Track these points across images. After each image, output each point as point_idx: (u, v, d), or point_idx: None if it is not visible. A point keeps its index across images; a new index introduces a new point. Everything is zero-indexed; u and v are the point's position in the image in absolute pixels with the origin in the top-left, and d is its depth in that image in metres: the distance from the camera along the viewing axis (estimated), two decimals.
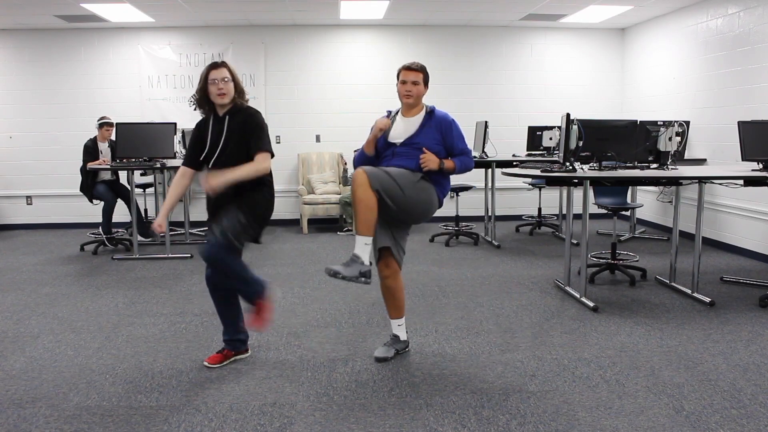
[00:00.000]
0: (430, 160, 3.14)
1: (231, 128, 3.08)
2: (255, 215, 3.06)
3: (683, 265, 5.08)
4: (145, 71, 7.81)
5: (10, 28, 7.61)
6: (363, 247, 3.00)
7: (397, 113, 3.34)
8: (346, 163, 7.58)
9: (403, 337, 3.42)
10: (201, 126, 3.19)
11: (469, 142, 3.66)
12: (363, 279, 2.98)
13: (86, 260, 6.05)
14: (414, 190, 3.11)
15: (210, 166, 3.10)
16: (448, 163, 3.22)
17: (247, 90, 3.26)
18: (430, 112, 3.25)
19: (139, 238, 6.47)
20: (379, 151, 3.30)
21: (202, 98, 3.11)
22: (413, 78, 3.20)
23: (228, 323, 3.28)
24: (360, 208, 2.98)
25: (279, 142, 7.66)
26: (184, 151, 7.04)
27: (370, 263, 3.04)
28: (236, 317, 3.28)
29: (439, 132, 3.21)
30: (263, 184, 3.11)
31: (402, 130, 3.24)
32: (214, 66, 3.07)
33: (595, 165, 4.46)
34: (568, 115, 4.36)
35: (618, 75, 8.27)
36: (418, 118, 3.25)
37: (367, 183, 2.96)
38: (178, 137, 6.90)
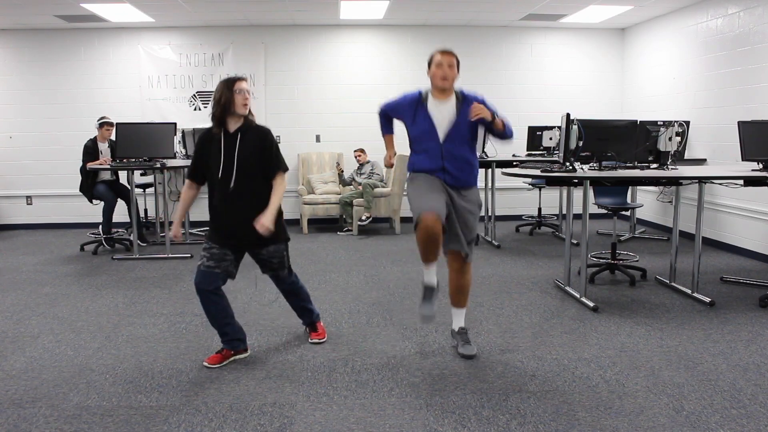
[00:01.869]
0: (482, 110, 3.11)
1: (244, 146, 3.12)
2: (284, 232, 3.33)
3: (683, 265, 5.08)
4: (145, 71, 7.81)
5: (10, 28, 7.61)
6: (429, 274, 3.24)
7: (426, 96, 3.29)
8: (342, 170, 7.58)
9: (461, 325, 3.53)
10: (207, 140, 3.17)
11: None
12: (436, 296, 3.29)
13: (86, 260, 6.05)
14: (476, 204, 3.37)
15: (232, 185, 3.11)
16: (498, 120, 3.21)
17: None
18: (461, 93, 3.27)
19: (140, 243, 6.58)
20: (418, 137, 3.29)
21: (224, 111, 3.08)
22: (449, 61, 3.19)
23: (224, 325, 3.27)
24: (426, 246, 3.10)
25: (279, 142, 7.64)
26: (183, 151, 7.06)
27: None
28: (231, 317, 3.29)
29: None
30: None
31: (442, 115, 3.22)
32: (239, 78, 3.11)
33: (595, 165, 4.46)
34: (568, 115, 4.36)
35: (618, 75, 8.27)
36: (451, 101, 3.24)
37: (438, 223, 3.07)
38: (178, 137, 6.91)
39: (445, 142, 3.21)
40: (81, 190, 6.48)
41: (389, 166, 3.61)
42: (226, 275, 3.18)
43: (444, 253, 3.35)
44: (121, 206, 6.63)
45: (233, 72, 7.65)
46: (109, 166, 6.17)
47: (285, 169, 3.24)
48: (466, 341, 3.44)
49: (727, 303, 4.31)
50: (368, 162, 7.60)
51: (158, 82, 7.84)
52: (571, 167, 4.30)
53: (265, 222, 3.08)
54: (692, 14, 6.63)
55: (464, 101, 3.24)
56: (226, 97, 3.06)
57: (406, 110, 3.32)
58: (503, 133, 3.29)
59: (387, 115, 3.50)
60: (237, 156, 3.10)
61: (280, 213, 3.23)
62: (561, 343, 3.56)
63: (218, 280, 3.16)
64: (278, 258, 3.29)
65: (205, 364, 3.26)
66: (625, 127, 4.74)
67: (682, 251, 5.32)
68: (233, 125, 3.14)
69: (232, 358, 3.31)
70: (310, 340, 3.59)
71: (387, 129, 3.53)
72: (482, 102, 3.24)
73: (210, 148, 3.15)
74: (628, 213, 7.18)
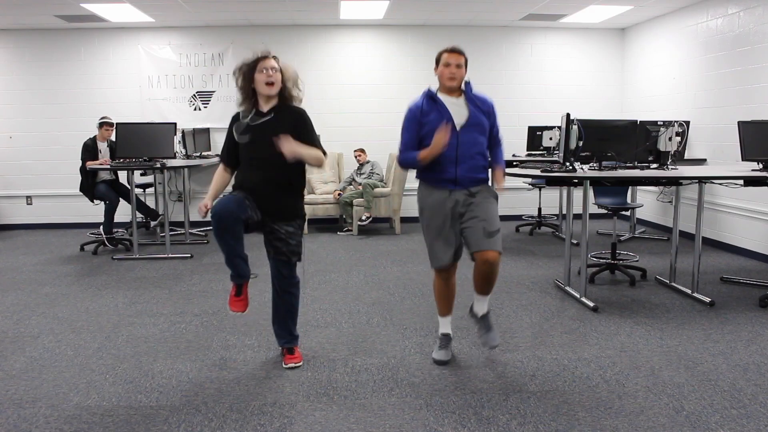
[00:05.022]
0: (503, 181, 3.24)
1: (277, 124, 2.99)
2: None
3: (683, 265, 5.08)
4: (145, 71, 7.81)
5: (10, 28, 7.61)
6: (445, 325, 3.39)
7: (435, 93, 3.19)
8: (340, 194, 7.47)
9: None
10: (236, 122, 3.09)
11: None
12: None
13: (86, 260, 6.05)
14: (492, 196, 3.20)
15: (252, 163, 3.03)
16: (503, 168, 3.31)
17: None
18: (472, 92, 3.20)
19: (152, 223, 6.78)
20: (432, 132, 3.09)
21: (247, 91, 3.02)
22: (457, 61, 3.11)
23: (238, 256, 3.08)
24: (442, 294, 3.33)
25: None
26: (183, 151, 7.06)
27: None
28: (243, 245, 3.13)
29: (484, 112, 3.18)
30: (301, 194, 3.21)
31: (454, 110, 3.14)
32: (263, 57, 3.00)
33: (595, 165, 4.46)
34: (568, 115, 4.36)
35: (618, 75, 8.27)
36: (462, 99, 3.18)
37: (451, 275, 3.29)
38: (178, 137, 6.91)
39: (461, 131, 3.10)
40: (81, 190, 6.47)
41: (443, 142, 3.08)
42: (248, 216, 2.97)
43: (470, 258, 3.17)
44: (121, 206, 6.63)
45: (233, 72, 7.64)
46: (109, 166, 6.17)
47: (323, 150, 3.07)
48: (488, 328, 3.28)
49: (727, 303, 4.31)
50: (368, 162, 7.60)
51: (158, 82, 7.83)
52: (571, 167, 4.30)
53: (291, 147, 2.90)
54: (692, 14, 6.63)
55: (476, 99, 3.18)
56: (245, 78, 3.00)
57: (417, 112, 3.16)
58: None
59: (409, 147, 3.20)
60: (269, 133, 2.96)
61: (301, 193, 3.18)
62: (561, 343, 3.56)
63: (245, 211, 2.94)
64: (296, 240, 3.12)
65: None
66: (625, 127, 4.74)
67: (682, 251, 5.32)
68: (266, 105, 3.04)
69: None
70: (285, 365, 3.24)
71: (416, 151, 3.16)
72: (491, 107, 3.22)
73: (239, 128, 3.06)
74: (628, 213, 7.18)
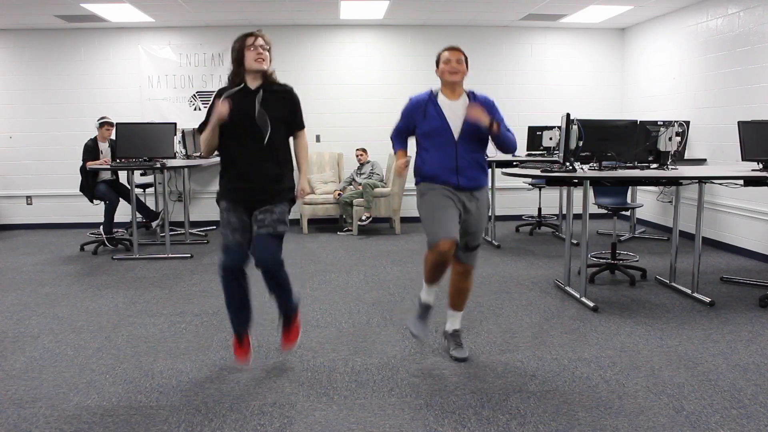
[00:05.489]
0: (480, 112, 3.08)
1: (272, 103, 3.00)
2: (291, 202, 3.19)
3: (683, 265, 5.08)
4: (145, 71, 7.81)
5: (10, 28, 7.61)
6: (429, 293, 3.33)
7: (437, 94, 3.24)
8: (340, 194, 7.47)
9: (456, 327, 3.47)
10: (226, 96, 2.96)
11: None
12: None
13: (86, 260, 6.05)
14: (486, 207, 3.33)
15: (265, 141, 2.98)
16: (495, 125, 3.11)
17: None
18: (472, 94, 3.24)
19: (153, 224, 6.79)
20: (430, 133, 3.18)
21: (240, 68, 2.99)
22: (456, 57, 3.18)
23: (249, 312, 3.17)
24: (438, 269, 3.16)
25: None
26: (183, 151, 7.06)
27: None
28: (250, 300, 3.18)
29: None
30: (292, 170, 3.20)
31: (455, 113, 3.17)
32: (251, 34, 2.99)
33: (595, 165, 4.46)
34: (568, 115, 4.36)
35: (618, 75, 8.27)
36: (463, 99, 3.21)
37: (453, 249, 3.10)
38: (178, 137, 6.91)
39: (459, 140, 3.14)
40: (81, 190, 6.47)
41: (401, 170, 3.37)
42: (248, 246, 3.04)
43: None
44: (121, 206, 6.63)
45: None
46: (109, 166, 6.17)
47: (304, 126, 3.22)
48: (458, 344, 3.38)
49: (727, 303, 4.31)
50: (368, 162, 7.60)
51: (158, 82, 7.83)
52: (571, 167, 4.30)
53: (305, 188, 3.25)
54: (692, 14, 6.63)
55: (476, 101, 3.20)
56: (239, 54, 2.97)
57: (417, 109, 3.23)
58: (501, 141, 3.23)
59: (401, 134, 3.38)
60: (268, 113, 2.97)
61: (290, 177, 3.15)
62: (561, 343, 3.56)
63: (247, 254, 3.02)
64: (281, 210, 3.06)
65: (243, 365, 3.17)
66: (625, 127, 4.74)
67: (682, 251, 5.32)
68: (253, 82, 3.01)
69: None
70: (282, 348, 3.31)
71: (400, 145, 3.38)
72: (491, 106, 3.22)
73: (231, 104, 2.95)
74: (628, 213, 7.18)
